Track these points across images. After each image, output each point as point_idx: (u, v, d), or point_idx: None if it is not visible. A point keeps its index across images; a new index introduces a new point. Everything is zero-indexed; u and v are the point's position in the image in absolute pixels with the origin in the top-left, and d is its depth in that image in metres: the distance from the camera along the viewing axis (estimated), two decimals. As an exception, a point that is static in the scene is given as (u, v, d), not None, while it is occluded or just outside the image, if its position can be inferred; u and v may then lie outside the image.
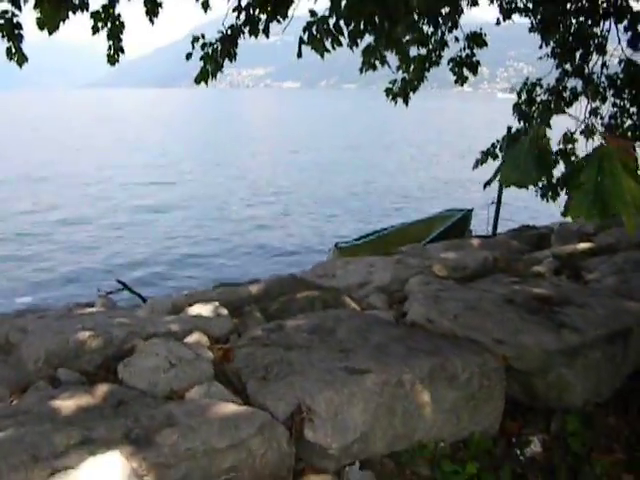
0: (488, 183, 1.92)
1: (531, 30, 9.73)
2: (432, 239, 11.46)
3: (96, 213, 22.09)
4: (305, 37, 5.20)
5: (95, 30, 6.23)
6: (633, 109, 9.85)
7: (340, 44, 5.25)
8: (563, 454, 3.29)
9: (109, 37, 6.34)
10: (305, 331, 3.63)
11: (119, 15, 6.24)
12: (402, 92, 8.97)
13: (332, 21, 5.21)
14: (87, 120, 76.44)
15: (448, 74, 9.27)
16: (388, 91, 8.98)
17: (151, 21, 6.46)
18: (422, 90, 9.31)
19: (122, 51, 6.49)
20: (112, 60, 6.49)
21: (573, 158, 9.70)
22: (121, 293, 8.78)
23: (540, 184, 9.35)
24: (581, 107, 9.99)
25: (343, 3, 5.02)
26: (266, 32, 5.82)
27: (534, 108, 10.17)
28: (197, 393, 2.92)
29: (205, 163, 37.49)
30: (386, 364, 3.04)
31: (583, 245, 6.10)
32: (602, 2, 9.24)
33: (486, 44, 9.15)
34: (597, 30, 9.51)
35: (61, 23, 5.67)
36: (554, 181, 8.77)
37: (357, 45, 6.00)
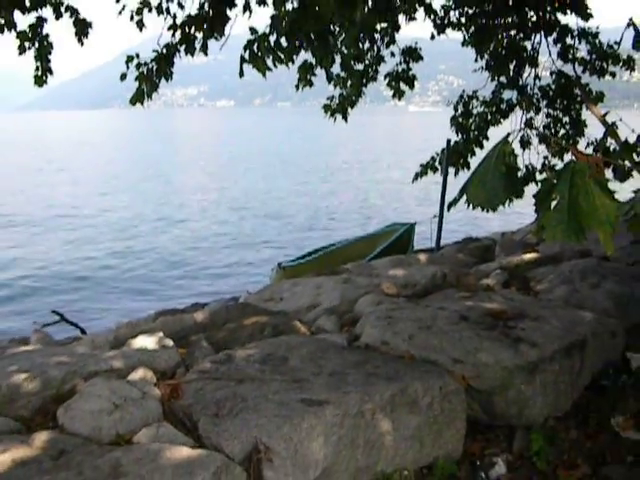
0: (453, 204, 1.83)
1: (464, 44, 9.82)
2: (376, 255, 11.41)
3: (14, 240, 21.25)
4: (246, 55, 5.06)
5: (22, 50, 5.96)
6: (566, 118, 10.03)
7: (282, 62, 5.14)
8: (529, 474, 3.21)
9: (37, 58, 6.07)
10: (256, 361, 3.47)
11: (47, 35, 5.99)
12: (340, 108, 8.91)
13: (273, 38, 5.09)
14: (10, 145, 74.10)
15: (377, 89, 9.29)
16: (326, 108, 8.91)
17: (80, 42, 6.23)
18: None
19: (50, 72, 6.22)
20: (40, 82, 6.21)
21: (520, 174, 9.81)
22: (58, 325, 8.43)
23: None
24: (516, 118, 10.13)
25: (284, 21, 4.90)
26: (204, 50, 5.66)
27: (471, 120, 10.27)
28: (146, 436, 2.73)
29: (134, 182, 36.70)
30: (345, 393, 2.91)
31: (529, 255, 6.11)
32: (531, 16, 9.41)
33: (422, 58, 9.24)
34: (528, 43, 9.69)
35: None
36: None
37: (293, 62, 5.90)
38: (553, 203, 1.56)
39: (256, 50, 4.96)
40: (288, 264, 13.01)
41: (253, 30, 4.97)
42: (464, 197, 1.83)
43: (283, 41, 5.06)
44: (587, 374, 3.87)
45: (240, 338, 4.28)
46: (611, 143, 7.71)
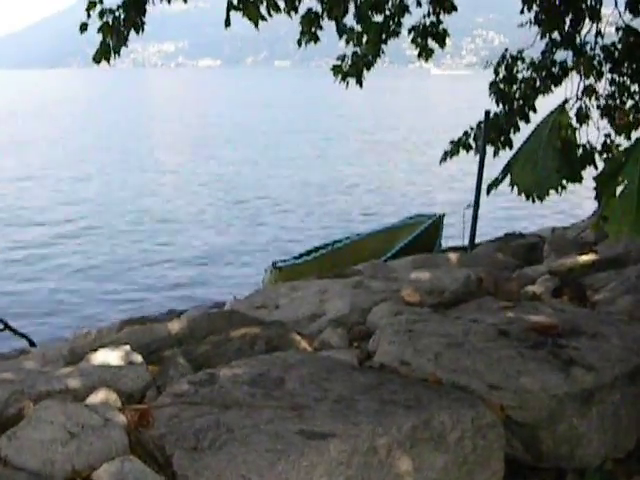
0: (493, 186, 1.83)
1: (508, -10, 9.84)
2: (395, 254, 11.44)
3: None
4: (234, 1, 5.06)
5: None
6: (635, 87, 10.01)
7: (278, 9, 5.16)
8: (581, 527, 3.24)
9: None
10: (245, 383, 3.50)
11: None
12: (354, 70, 8.92)
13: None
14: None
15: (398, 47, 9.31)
16: (337, 69, 8.91)
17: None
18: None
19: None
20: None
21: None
22: (2, 334, 8.47)
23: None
24: (572, 85, 10.12)
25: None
26: (181, -5, 5.68)
27: (515, 87, 10.27)
28: (108, 473, 2.75)
29: (107, 162, 36.83)
30: (354, 424, 2.93)
31: (585, 257, 6.13)
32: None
33: (455, 8, 9.24)
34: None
35: None
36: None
37: (296, 10, 5.92)
38: (619, 189, 1.56)
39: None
40: (285, 264, 13.07)
41: (246, -29, 4.98)
42: (507, 179, 1.84)
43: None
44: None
45: (225, 354, 4.31)
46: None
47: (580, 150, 9.38)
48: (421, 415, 3.06)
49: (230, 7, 5.06)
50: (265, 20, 5.13)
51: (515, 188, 1.79)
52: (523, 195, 1.95)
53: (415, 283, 5.36)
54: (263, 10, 5.06)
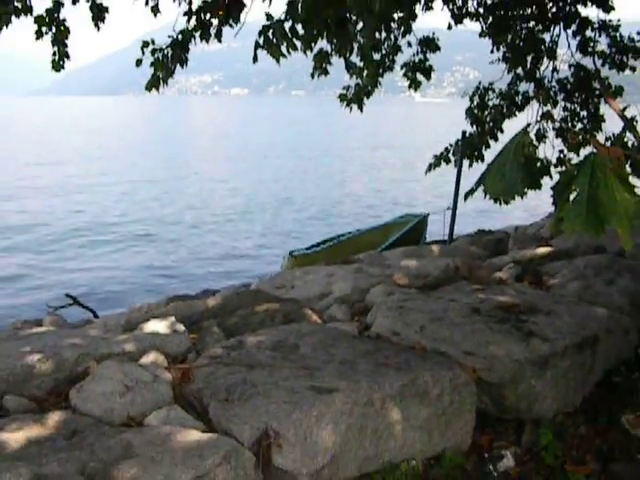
0: (470, 193, 1.83)
1: (481, 35, 9.76)
2: (388, 245, 11.42)
3: (41, 228, 21.40)
4: (261, 41, 5.05)
5: (39, 35, 5.98)
6: (583, 112, 9.96)
7: (295, 48, 5.13)
8: (537, 468, 3.22)
9: (54, 43, 6.09)
10: (267, 348, 3.49)
11: (64, 20, 6.01)
12: (356, 98, 8.91)
13: (288, 25, 5.08)
14: (28, 129, 74.14)
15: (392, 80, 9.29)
16: (342, 97, 8.91)
17: (97, 27, 6.24)
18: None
19: (68, 57, 6.25)
20: (57, 67, 6.24)
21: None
22: (71, 308, 8.48)
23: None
24: (532, 111, 10.07)
25: (299, 6, 4.89)
26: (218, 37, 5.66)
27: (486, 112, 10.22)
28: (156, 419, 2.76)
29: (166, 170, 36.74)
30: (355, 382, 2.92)
31: (542, 250, 6.09)
32: (551, 8, 9.34)
33: (439, 48, 9.20)
34: (547, 35, 9.62)
35: (4, 28, 5.44)
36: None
37: (311, 50, 5.89)
38: (572, 195, 1.56)
39: (271, 36, 4.95)
40: (299, 253, 13.05)
41: (269, 16, 4.96)
42: (481, 187, 1.83)
43: (300, 28, 5.04)
44: (599, 371, 3.86)
45: (251, 324, 4.30)
46: (629, 138, 7.65)
47: (539, 164, 9.33)
48: (409, 375, 3.05)
49: (257, 46, 5.06)
50: (285, 57, 5.11)
51: (487, 195, 1.79)
52: (493, 200, 1.94)
53: (405, 269, 5.34)
54: (284, 49, 5.04)
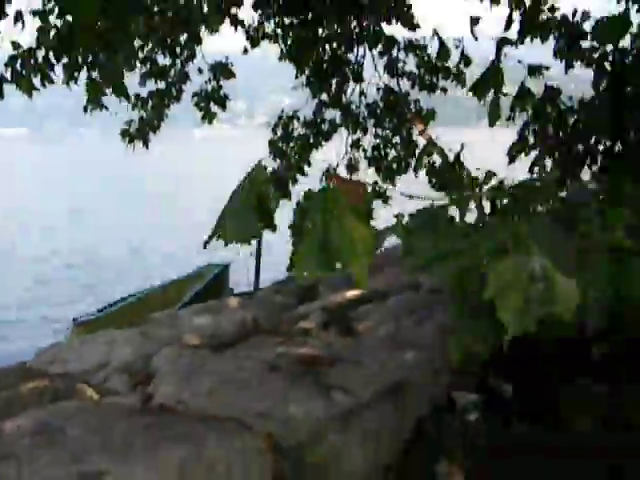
0: (207, 242, 1.94)
1: (281, 58, 10.16)
2: (190, 300, 11.48)
3: None
4: (8, 75, 5.02)
5: None
6: (396, 139, 10.59)
7: (52, 81, 5.13)
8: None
9: None
10: (28, 434, 3.43)
11: None
12: (140, 134, 8.95)
13: (41, 54, 5.08)
14: None
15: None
16: (125, 133, 8.92)
17: None
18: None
19: None
20: None
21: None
22: None
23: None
24: (342, 140, 10.60)
25: (52, 34, 4.90)
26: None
27: (292, 144, 10.58)
28: None
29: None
30: (127, 461, 2.96)
31: (352, 292, 6.38)
32: (354, 27, 9.90)
33: (234, 75, 9.45)
34: (352, 56, 10.18)
35: None
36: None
37: (75, 81, 5.89)
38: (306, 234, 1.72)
39: (19, 68, 4.92)
40: (85, 319, 12.77)
41: (16, 45, 4.94)
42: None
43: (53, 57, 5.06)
44: (411, 418, 4.12)
45: (14, 407, 4.18)
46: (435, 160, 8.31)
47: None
48: (191, 447, 3.13)
49: (2, 80, 5.00)
50: (38, 90, 5.11)
51: (223, 240, 1.91)
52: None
53: (197, 328, 5.42)
54: (37, 82, 5.04)
